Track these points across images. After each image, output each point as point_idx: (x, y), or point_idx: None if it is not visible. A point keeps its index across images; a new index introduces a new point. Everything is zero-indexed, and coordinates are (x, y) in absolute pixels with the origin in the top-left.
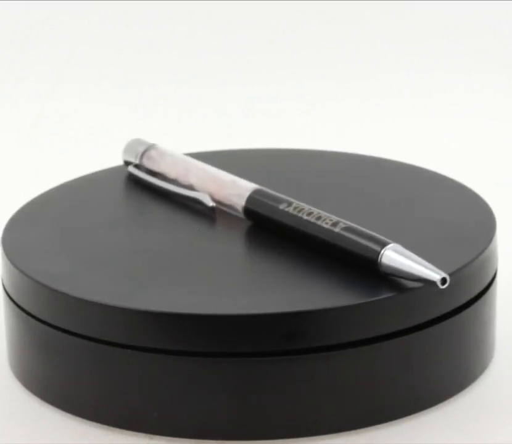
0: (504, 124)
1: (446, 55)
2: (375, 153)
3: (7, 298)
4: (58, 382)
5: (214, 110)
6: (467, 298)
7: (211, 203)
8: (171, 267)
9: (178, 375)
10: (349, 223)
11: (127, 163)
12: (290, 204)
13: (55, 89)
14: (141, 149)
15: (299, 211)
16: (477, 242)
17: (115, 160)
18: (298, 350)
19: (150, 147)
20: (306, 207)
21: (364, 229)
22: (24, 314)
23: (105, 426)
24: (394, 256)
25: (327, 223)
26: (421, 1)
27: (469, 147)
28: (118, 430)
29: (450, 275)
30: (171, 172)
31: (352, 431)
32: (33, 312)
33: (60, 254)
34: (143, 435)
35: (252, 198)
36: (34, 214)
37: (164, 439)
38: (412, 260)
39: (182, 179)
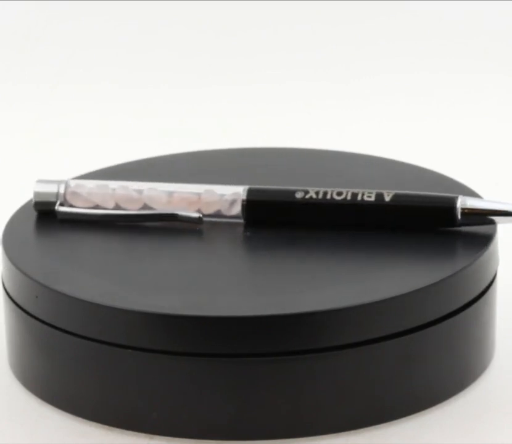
0: (505, 124)
1: (447, 55)
2: (375, 153)
3: (7, 298)
4: (58, 382)
5: (213, 110)
6: (468, 298)
7: (197, 215)
8: (172, 269)
9: (178, 375)
10: (391, 191)
11: (42, 204)
12: (306, 191)
13: (55, 88)
14: (61, 188)
15: (325, 195)
16: (477, 242)
17: (115, 160)
18: (298, 350)
19: (67, 184)
20: (328, 189)
21: (413, 192)
22: (24, 314)
23: (105, 426)
24: (473, 203)
25: (369, 197)
26: (421, 1)
27: (469, 147)
28: (118, 430)
29: (451, 276)
30: (107, 203)
31: (352, 431)
32: (33, 312)
33: (60, 254)
34: (143, 435)
35: (252, 198)
36: (35, 214)
37: (164, 439)
38: (488, 202)
39: (126, 204)
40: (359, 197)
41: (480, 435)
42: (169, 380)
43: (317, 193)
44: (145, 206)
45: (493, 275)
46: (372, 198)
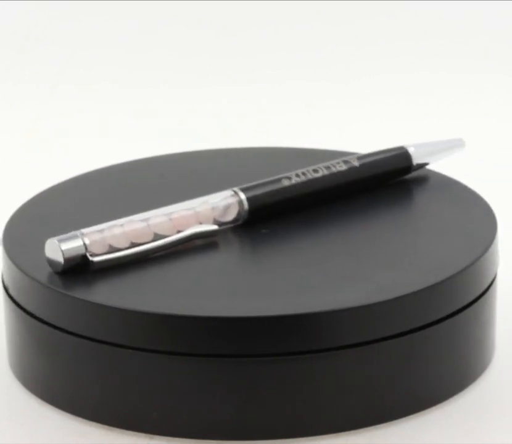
0: (505, 124)
1: (447, 55)
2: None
3: (8, 298)
4: (58, 382)
5: (213, 110)
6: (468, 299)
7: (214, 227)
8: (172, 270)
9: (178, 375)
10: (353, 154)
11: (70, 261)
12: (289, 177)
13: (55, 89)
14: (80, 240)
15: (305, 175)
16: (478, 242)
17: (115, 160)
18: (299, 351)
19: (81, 234)
20: (303, 170)
21: (370, 152)
22: (24, 314)
23: (105, 426)
24: (423, 145)
25: (341, 166)
26: (421, 1)
27: (469, 147)
28: (118, 430)
29: (452, 277)
30: (120, 242)
31: (352, 431)
32: (34, 312)
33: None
34: (143, 435)
35: (250, 197)
36: (36, 213)
37: (164, 439)
38: (433, 142)
39: (139, 238)
40: (333, 169)
41: (480, 435)
42: (169, 380)
43: (297, 175)
44: (156, 236)
45: (493, 276)
46: (344, 167)
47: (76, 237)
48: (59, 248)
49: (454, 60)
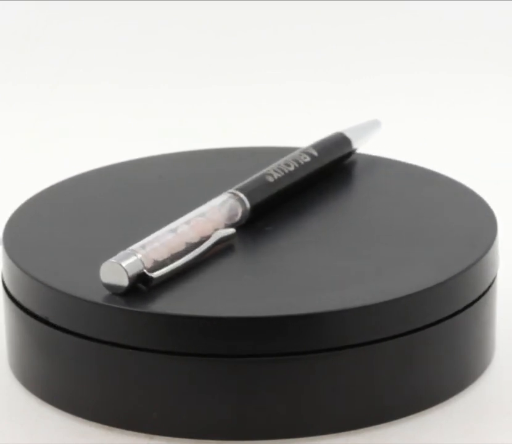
0: (505, 124)
1: (447, 55)
2: (375, 153)
3: (8, 297)
4: (58, 382)
5: (213, 110)
6: (468, 299)
7: (231, 231)
8: (184, 272)
9: (178, 375)
10: (307, 146)
11: (132, 279)
12: (269, 174)
13: (55, 89)
14: (134, 256)
15: (283, 170)
16: (478, 243)
17: (115, 160)
18: (299, 351)
19: (134, 252)
20: (275, 165)
21: (315, 142)
22: (24, 314)
23: (105, 426)
24: (352, 130)
25: (306, 158)
26: (421, 1)
27: (469, 147)
28: (118, 430)
29: (452, 278)
30: (162, 255)
31: (352, 431)
32: (34, 311)
33: (61, 253)
34: (143, 435)
35: (248, 195)
36: (36, 212)
37: (164, 439)
38: (358, 126)
39: (174, 249)
40: (301, 161)
41: (480, 435)
42: (169, 380)
43: (276, 171)
44: (188, 245)
45: (493, 276)
46: (308, 158)
47: (130, 255)
48: (122, 268)
49: (454, 60)
